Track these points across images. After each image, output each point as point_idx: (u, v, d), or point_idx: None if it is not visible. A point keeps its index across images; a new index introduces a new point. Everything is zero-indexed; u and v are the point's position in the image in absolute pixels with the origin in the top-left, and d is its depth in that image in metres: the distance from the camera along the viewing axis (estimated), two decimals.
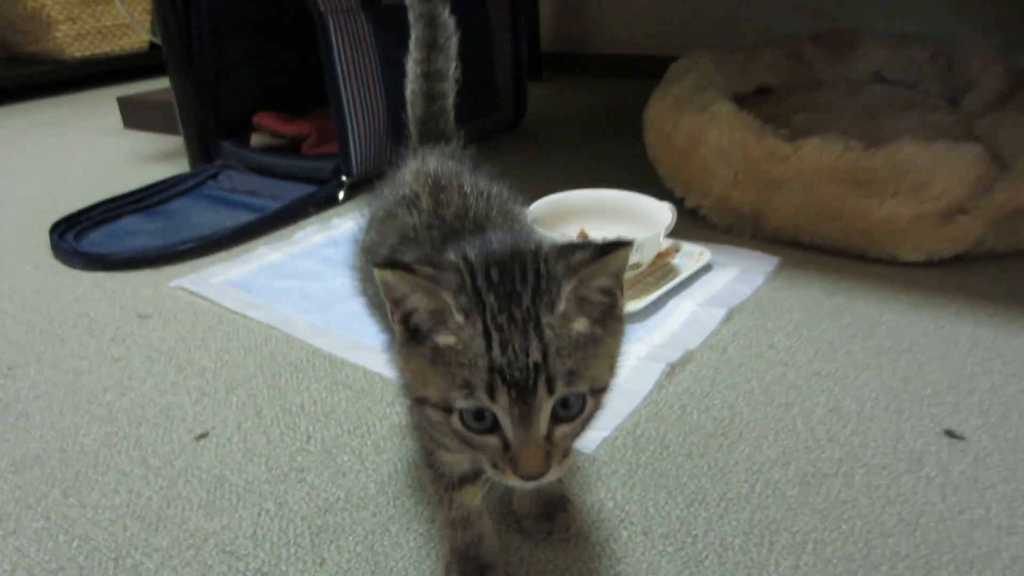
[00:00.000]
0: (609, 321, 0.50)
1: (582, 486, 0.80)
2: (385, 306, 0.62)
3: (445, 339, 0.48)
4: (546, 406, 0.47)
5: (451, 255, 0.51)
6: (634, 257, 1.15)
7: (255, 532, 0.77)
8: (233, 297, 1.28)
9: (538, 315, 0.47)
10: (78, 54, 3.33)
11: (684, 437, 0.86)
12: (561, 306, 0.48)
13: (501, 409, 0.47)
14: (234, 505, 0.81)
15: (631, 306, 1.11)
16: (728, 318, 1.11)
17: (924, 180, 1.22)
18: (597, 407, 0.51)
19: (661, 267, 1.27)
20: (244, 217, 1.60)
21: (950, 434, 0.84)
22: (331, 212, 1.66)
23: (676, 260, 1.29)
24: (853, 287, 1.20)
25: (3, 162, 2.28)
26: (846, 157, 1.26)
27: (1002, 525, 0.71)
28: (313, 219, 1.62)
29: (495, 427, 0.48)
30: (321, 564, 0.72)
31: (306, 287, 1.30)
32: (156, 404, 1.00)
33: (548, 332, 0.47)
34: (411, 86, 0.86)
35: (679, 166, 1.50)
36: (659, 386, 0.96)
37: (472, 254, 0.50)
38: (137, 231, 1.63)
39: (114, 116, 2.71)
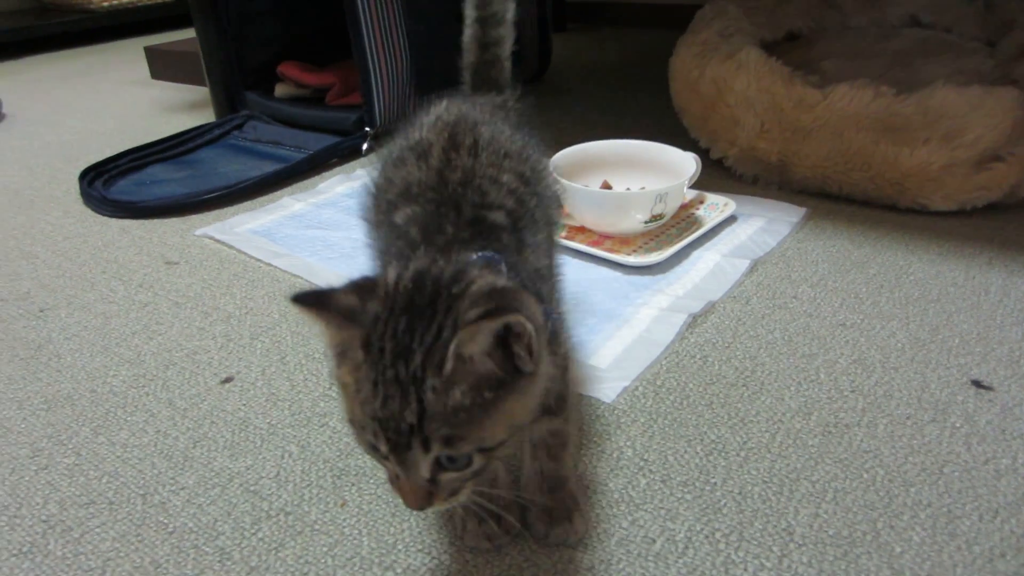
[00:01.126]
0: (515, 379, 0.48)
1: (601, 435, 0.80)
2: (377, 243, 0.64)
3: (343, 375, 0.49)
4: (420, 463, 0.48)
5: (386, 277, 0.50)
6: (657, 208, 1.13)
7: (278, 473, 0.78)
8: (258, 246, 1.28)
9: (423, 376, 0.46)
10: (106, 4, 3.33)
11: (705, 387, 0.86)
12: (447, 368, 0.46)
13: (385, 451, 0.48)
14: (258, 447, 0.82)
15: (652, 257, 1.10)
16: (752, 269, 1.10)
17: (958, 126, 1.18)
18: (489, 461, 0.50)
19: (685, 218, 1.25)
20: (269, 167, 1.60)
21: (977, 384, 0.82)
22: (355, 163, 1.65)
23: (700, 211, 1.27)
24: (881, 237, 1.17)
25: (33, 110, 2.30)
26: (877, 103, 1.23)
27: None
28: (337, 170, 1.62)
29: (385, 458, 0.49)
30: (343, 504, 0.73)
31: (329, 236, 1.30)
32: (183, 348, 1.01)
33: (429, 395, 0.46)
34: (466, 31, 0.84)
35: (704, 115, 1.47)
36: (681, 337, 0.95)
37: (398, 282, 0.49)
38: (164, 180, 1.64)
39: (142, 66, 2.71)
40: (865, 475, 0.72)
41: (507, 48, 0.85)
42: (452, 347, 0.46)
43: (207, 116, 2.01)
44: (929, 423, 0.78)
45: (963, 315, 0.96)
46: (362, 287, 0.50)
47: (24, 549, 0.71)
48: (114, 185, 1.61)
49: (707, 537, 0.66)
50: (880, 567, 0.62)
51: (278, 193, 1.52)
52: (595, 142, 1.31)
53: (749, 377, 0.87)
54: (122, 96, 2.45)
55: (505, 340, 0.47)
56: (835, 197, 1.32)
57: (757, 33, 1.59)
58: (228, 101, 1.97)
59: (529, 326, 0.46)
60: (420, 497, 0.49)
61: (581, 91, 2.13)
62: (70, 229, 1.42)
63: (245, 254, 1.26)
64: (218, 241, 1.32)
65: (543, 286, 0.61)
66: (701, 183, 1.28)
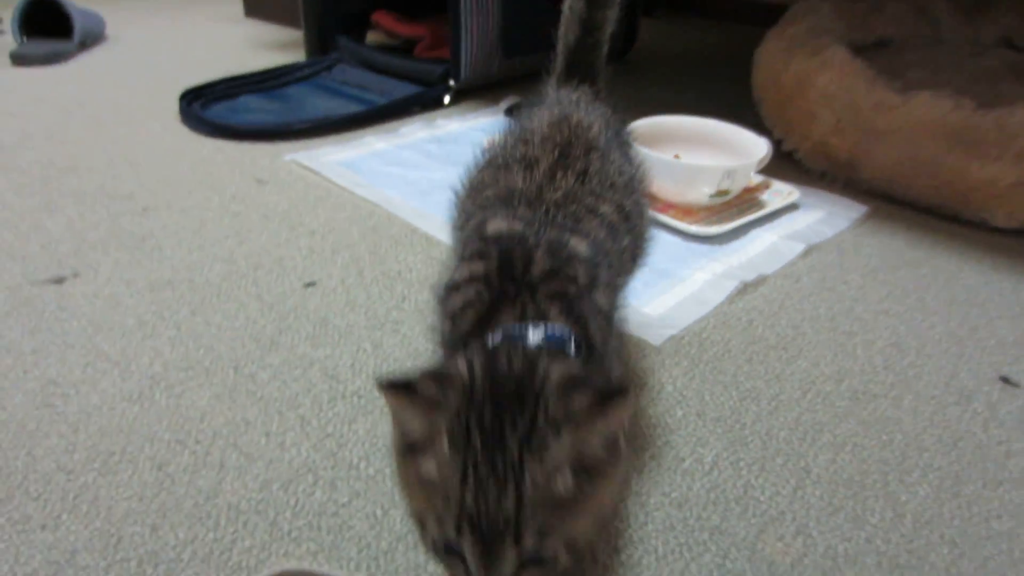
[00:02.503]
0: (605, 468, 0.46)
1: (646, 371, 0.87)
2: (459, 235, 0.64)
3: (428, 467, 0.46)
4: (509, 559, 0.44)
5: (459, 365, 0.48)
6: (724, 183, 1.19)
7: (353, 364, 0.87)
8: (341, 175, 1.38)
9: (522, 467, 0.44)
10: None
11: (747, 345, 0.93)
12: (549, 458, 0.44)
13: (466, 550, 0.45)
14: (336, 341, 0.91)
15: (712, 228, 1.17)
16: (806, 253, 1.16)
17: None
18: (571, 562, 0.47)
19: (749, 200, 1.31)
20: (354, 107, 1.70)
21: (1005, 380, 0.88)
22: (436, 113, 1.74)
23: (764, 196, 1.33)
24: (937, 243, 1.22)
25: (133, 36, 2.43)
26: (955, 115, 1.26)
27: None
28: (418, 117, 1.71)
29: (461, 559, 0.46)
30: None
31: (408, 175, 1.39)
32: (270, 254, 1.11)
33: (527, 485, 0.43)
34: (568, 9, 0.78)
35: (782, 107, 1.51)
36: (730, 300, 1.02)
37: (479, 369, 0.47)
38: (255, 108, 1.74)
39: (236, 4, 2.84)
40: (884, 437, 0.78)
41: (608, 31, 0.79)
42: (564, 437, 0.44)
43: (296, 56, 2.11)
44: (952, 405, 0.84)
45: (1004, 321, 1.00)
46: (439, 377, 0.47)
47: (135, 397, 0.81)
48: (210, 108, 1.72)
49: (731, 464, 0.74)
50: (885, 509, 0.69)
51: (361, 132, 1.61)
52: (672, 116, 1.38)
53: (789, 343, 0.93)
54: (215, 30, 2.58)
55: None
56: (898, 201, 1.36)
57: (847, 35, 1.62)
58: (320, 43, 2.07)
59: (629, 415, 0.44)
60: None
61: (662, 75, 2.18)
62: (169, 143, 1.54)
63: (330, 181, 1.36)
64: (305, 167, 1.42)
65: (607, 332, 0.59)
66: (769, 171, 1.33)
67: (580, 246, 0.58)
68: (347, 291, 1.02)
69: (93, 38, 2.30)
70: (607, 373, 0.58)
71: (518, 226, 0.59)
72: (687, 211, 1.23)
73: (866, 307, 1.02)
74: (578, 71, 0.79)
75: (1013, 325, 0.99)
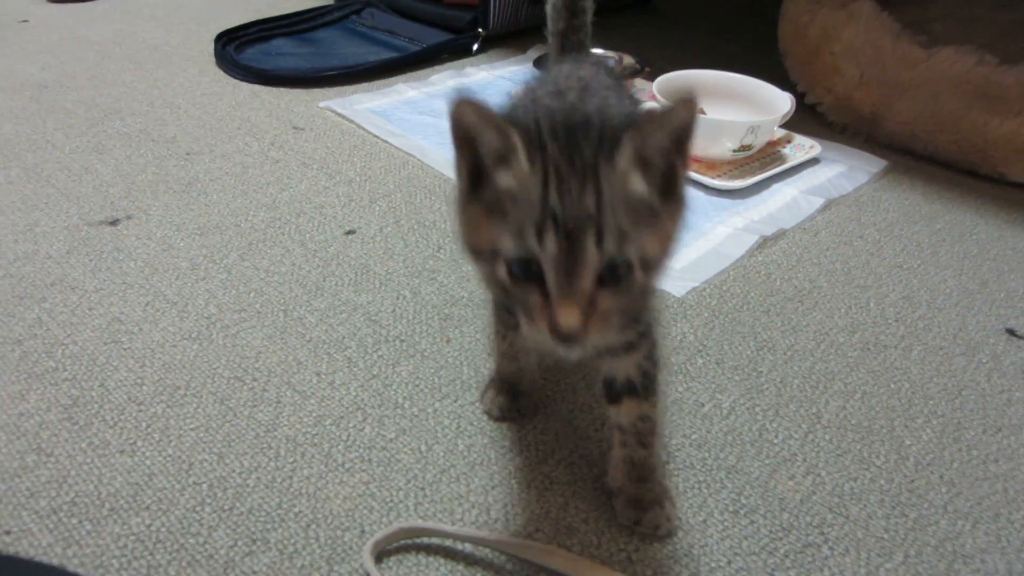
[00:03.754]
0: (668, 198, 0.49)
1: (668, 321, 0.93)
2: None
3: (505, 181, 0.47)
4: (592, 260, 0.45)
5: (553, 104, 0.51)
6: (747, 138, 1.23)
7: (394, 309, 0.93)
8: (375, 123, 1.42)
9: (597, 165, 0.46)
10: None
11: (765, 298, 0.98)
12: (621, 160, 0.46)
13: (548, 256, 0.45)
14: (377, 288, 0.97)
15: (735, 183, 1.20)
16: (825, 207, 1.19)
17: None
18: (646, 286, 0.49)
19: (771, 154, 1.34)
20: (384, 54, 1.72)
21: (1011, 332, 0.92)
22: (465, 61, 1.76)
23: (786, 150, 1.35)
24: (954, 198, 1.25)
25: None
26: (978, 70, 1.28)
27: None
28: (447, 65, 1.73)
29: (538, 279, 0.47)
30: (448, 341, 0.89)
31: (440, 124, 1.43)
32: (311, 202, 1.16)
33: (605, 185, 0.45)
34: (551, 5, 0.84)
35: (807, 60, 1.53)
36: (750, 254, 1.06)
37: (529, 106, 0.50)
38: (288, 53, 1.77)
39: None
40: (892, 385, 0.84)
41: (591, 14, 0.85)
42: (629, 140, 0.46)
43: None
44: (959, 356, 0.89)
45: (1014, 275, 1.04)
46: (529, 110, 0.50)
47: (193, 335, 0.88)
48: (244, 52, 1.75)
49: (748, 409, 0.80)
50: (889, 452, 0.75)
51: (392, 79, 1.64)
52: (696, 70, 1.40)
53: (806, 295, 0.98)
54: None
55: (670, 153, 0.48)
56: (918, 156, 1.39)
57: None
58: None
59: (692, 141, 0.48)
60: (577, 315, 0.46)
61: (689, 22, 2.17)
62: (207, 87, 1.57)
63: (364, 129, 1.40)
64: (340, 115, 1.45)
65: None
66: (792, 125, 1.36)
67: None
68: (385, 240, 1.07)
69: None
70: None
71: None
72: (710, 165, 1.27)
73: (881, 261, 1.06)
74: (570, 50, 0.84)
75: (1021, 279, 1.03)
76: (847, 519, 0.68)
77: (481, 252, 0.50)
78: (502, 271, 0.48)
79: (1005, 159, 1.28)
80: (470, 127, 0.48)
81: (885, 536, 0.67)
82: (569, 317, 0.46)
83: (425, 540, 0.65)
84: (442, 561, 0.63)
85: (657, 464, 0.67)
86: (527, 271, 0.47)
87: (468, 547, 0.64)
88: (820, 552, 0.65)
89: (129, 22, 1.93)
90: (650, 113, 0.46)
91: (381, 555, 0.63)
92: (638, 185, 0.47)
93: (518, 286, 0.48)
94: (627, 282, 0.47)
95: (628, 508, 0.66)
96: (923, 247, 1.10)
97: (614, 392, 0.64)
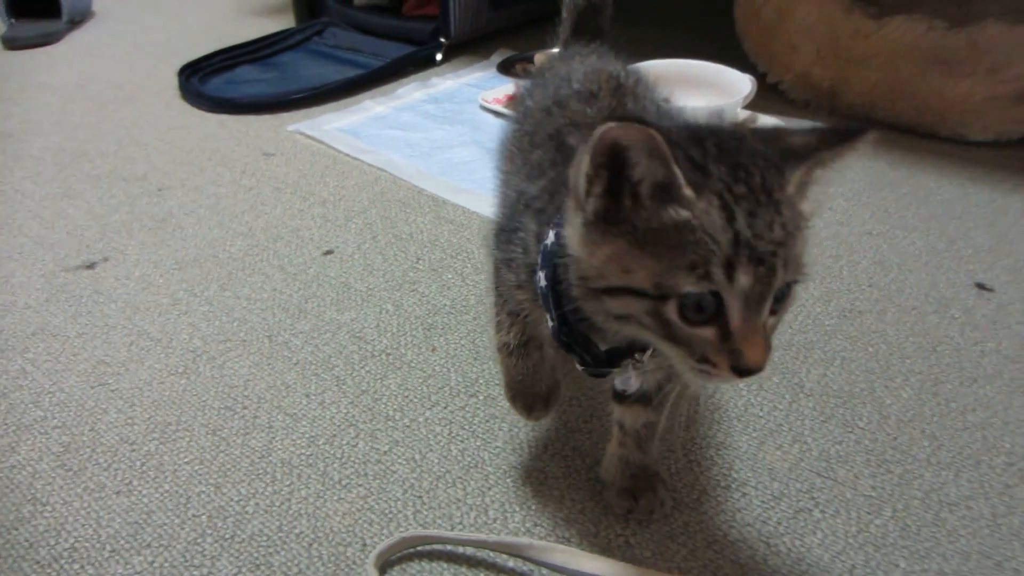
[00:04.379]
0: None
1: None
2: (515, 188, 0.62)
3: (673, 214, 0.42)
4: (778, 289, 0.43)
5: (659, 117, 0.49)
6: None
7: (378, 324, 0.94)
8: (345, 142, 1.43)
9: (772, 191, 0.42)
10: None
11: None
12: (791, 187, 0.44)
13: (736, 293, 0.42)
14: (359, 304, 0.98)
15: None
16: None
17: (1003, 61, 1.26)
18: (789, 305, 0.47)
19: None
20: (349, 72, 1.73)
21: (980, 286, 0.95)
22: (430, 71, 1.77)
23: None
24: (918, 162, 1.27)
25: (121, 9, 2.43)
26: (928, 36, 1.30)
27: (1009, 355, 0.84)
28: (412, 77, 1.74)
29: (715, 317, 0.43)
30: (433, 350, 0.90)
31: (410, 137, 1.44)
32: (287, 226, 1.17)
33: (785, 210, 0.42)
34: None
35: (765, 41, 1.55)
36: None
37: (674, 128, 0.45)
38: (253, 80, 1.78)
39: None
40: (870, 349, 0.85)
41: None
42: (802, 167, 0.45)
43: (286, 21, 2.12)
44: (932, 313, 0.91)
45: (979, 231, 1.07)
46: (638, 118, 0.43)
47: (180, 370, 0.89)
48: (208, 82, 1.75)
49: (732, 386, 0.81)
50: (872, 413, 0.77)
51: (359, 96, 1.65)
52: (657, 60, 1.41)
53: None
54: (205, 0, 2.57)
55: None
56: (880, 123, 1.41)
57: None
58: (308, 7, 2.08)
59: None
60: (763, 349, 0.44)
61: (650, 15, 2.19)
62: (174, 121, 1.58)
63: (334, 149, 1.41)
64: (309, 137, 1.46)
65: None
66: (756, 105, 1.37)
67: None
68: (364, 256, 1.08)
69: (81, 15, 2.30)
70: None
71: None
72: None
73: (851, 230, 1.08)
74: (585, 32, 0.81)
75: (988, 233, 1.06)
76: (835, 481, 0.70)
77: (633, 290, 0.44)
78: (673, 312, 0.43)
79: (962, 119, 1.31)
80: (624, 150, 0.42)
81: (873, 494, 0.68)
82: (758, 354, 0.43)
83: (428, 547, 0.66)
84: (445, 566, 0.64)
85: (651, 465, 0.68)
86: (701, 311, 0.43)
87: (470, 550, 0.65)
88: (812, 516, 0.67)
89: (90, 64, 1.93)
90: (827, 142, 0.45)
91: (385, 566, 0.64)
92: (806, 206, 0.45)
93: (690, 327, 0.44)
94: (788, 300, 0.46)
95: (621, 498, 0.67)
96: (891, 212, 1.12)
97: (626, 396, 0.64)
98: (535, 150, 0.63)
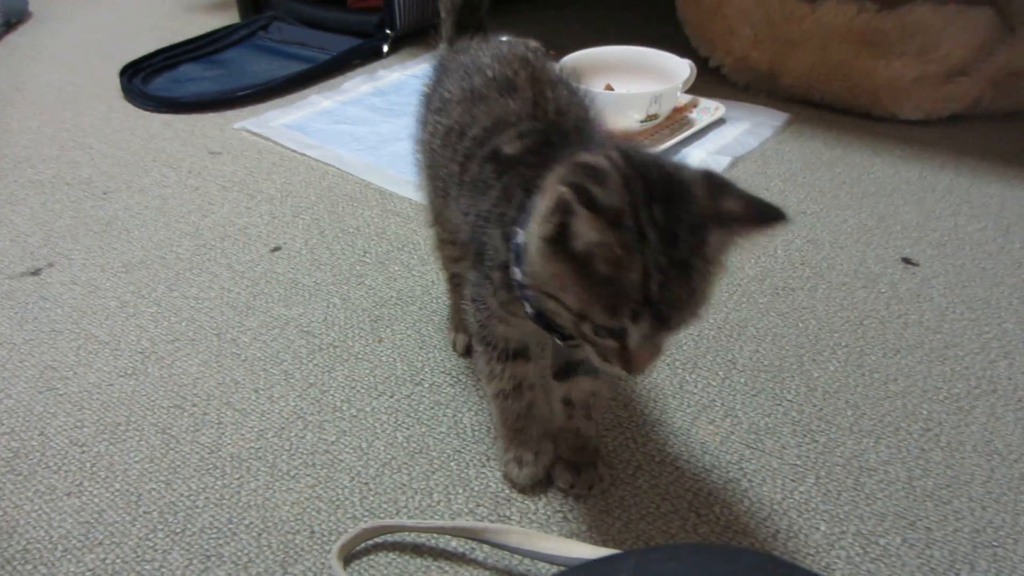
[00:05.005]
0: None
1: None
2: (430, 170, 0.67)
3: (603, 267, 0.49)
4: (671, 333, 0.51)
5: (605, 163, 0.49)
6: (652, 108, 1.27)
7: (326, 318, 0.96)
8: (291, 138, 1.43)
9: (690, 258, 0.48)
10: None
11: None
12: (708, 251, 0.49)
13: (637, 330, 0.50)
14: (307, 300, 0.99)
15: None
16: (733, 165, 1.25)
17: (932, 41, 1.30)
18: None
19: (679, 120, 1.39)
20: (295, 67, 1.73)
21: (907, 261, 0.99)
22: (376, 64, 1.77)
23: (693, 114, 1.41)
24: (852, 141, 1.31)
25: (58, 9, 2.39)
26: (860, 18, 1.34)
27: (930, 326, 0.88)
28: (359, 70, 1.74)
29: (618, 337, 0.51)
30: (380, 341, 0.91)
31: (356, 131, 1.45)
32: (234, 224, 1.18)
33: (696, 276, 0.49)
34: None
35: (705, 25, 1.58)
36: None
37: (623, 164, 0.49)
38: (197, 78, 1.76)
39: None
40: (800, 324, 0.89)
41: None
42: (720, 235, 0.49)
43: (230, 16, 2.10)
44: (860, 289, 0.95)
45: (909, 207, 1.11)
46: (593, 175, 0.48)
47: (128, 371, 0.89)
48: (151, 82, 1.73)
49: (668, 365, 0.84)
50: (800, 386, 0.80)
51: (305, 91, 1.64)
52: (600, 48, 1.44)
53: None
54: None
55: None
56: (817, 105, 1.45)
57: None
58: (252, 2, 2.06)
59: None
60: (649, 359, 0.52)
61: (591, 1, 2.22)
62: (117, 122, 1.56)
63: (281, 145, 1.41)
64: (255, 134, 1.46)
65: None
66: (698, 89, 1.41)
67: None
68: (311, 251, 1.09)
69: (17, 16, 2.25)
70: None
71: (533, 136, 0.60)
72: (623, 139, 1.31)
73: (786, 209, 1.11)
74: (467, 29, 0.80)
75: (916, 209, 1.10)
76: (763, 452, 0.73)
77: (562, 304, 0.52)
78: (587, 329, 0.52)
79: (894, 99, 1.35)
80: (570, 225, 0.48)
81: (798, 462, 0.72)
82: (644, 364, 0.53)
83: (389, 538, 0.67)
84: (408, 558, 0.66)
85: (595, 433, 0.71)
86: (613, 333, 0.51)
87: (431, 538, 0.67)
88: (740, 486, 0.70)
89: (29, 66, 1.90)
90: (746, 218, 0.50)
91: (348, 559, 0.66)
92: (716, 268, 0.51)
93: (599, 338, 0.52)
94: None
95: (565, 471, 0.70)
96: (825, 192, 1.16)
97: (570, 370, 0.68)
98: (469, 163, 0.64)
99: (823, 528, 0.66)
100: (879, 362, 0.83)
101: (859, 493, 0.69)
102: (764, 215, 0.50)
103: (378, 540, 0.67)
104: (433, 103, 0.74)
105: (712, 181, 0.51)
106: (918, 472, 0.71)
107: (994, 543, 0.65)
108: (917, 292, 0.93)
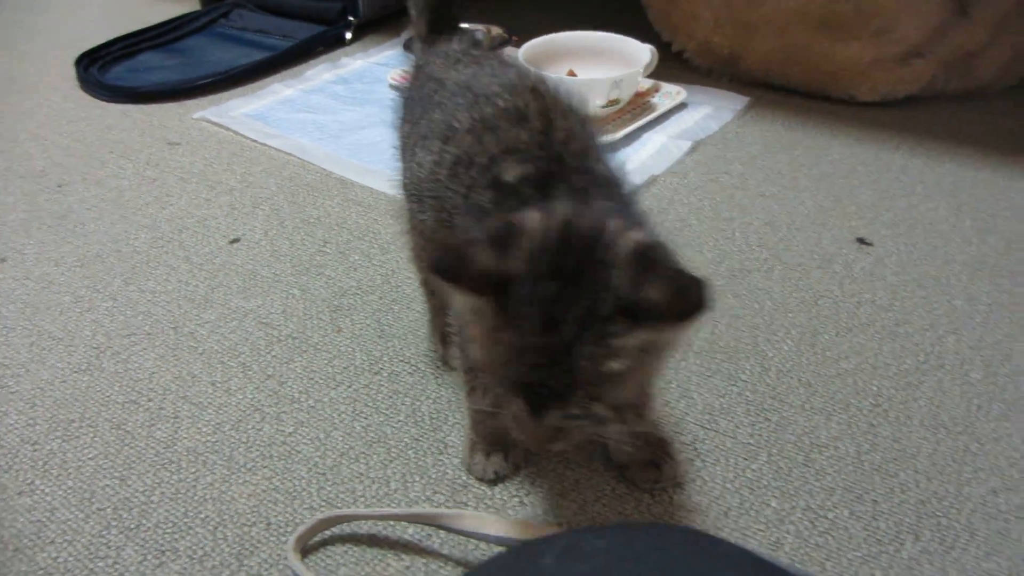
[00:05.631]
0: (660, 349, 0.48)
1: None
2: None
3: (479, 334, 0.48)
4: (556, 417, 0.48)
5: (531, 225, 0.48)
6: (613, 93, 1.27)
7: (284, 310, 0.95)
8: (252, 127, 1.41)
9: (578, 345, 0.44)
10: None
11: None
12: (612, 342, 0.45)
13: (516, 406, 0.48)
14: (266, 291, 0.99)
15: (606, 138, 1.25)
16: (694, 149, 1.25)
17: (888, 24, 1.32)
18: (621, 418, 0.50)
19: (641, 104, 1.39)
20: (257, 55, 1.70)
21: (861, 241, 1.00)
22: (339, 51, 1.75)
23: (655, 99, 1.41)
24: (811, 124, 1.32)
25: None
26: (817, 2, 1.35)
27: (882, 305, 0.89)
28: (322, 58, 1.72)
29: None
30: (339, 331, 0.91)
31: (318, 119, 1.43)
32: (193, 216, 1.16)
33: (583, 365, 0.45)
34: None
35: (666, 10, 1.58)
36: None
37: (544, 233, 0.47)
38: (156, 67, 1.73)
39: None
40: (756, 305, 0.90)
41: None
42: (628, 337, 0.45)
43: (190, 4, 2.06)
44: (815, 269, 0.96)
45: (864, 188, 1.12)
46: (503, 237, 0.47)
47: (83, 367, 0.88)
48: (109, 71, 1.70)
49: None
50: (754, 366, 0.81)
51: (268, 80, 1.62)
52: (562, 33, 1.43)
53: (677, 235, 1.04)
54: None
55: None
56: (777, 88, 1.46)
57: None
58: None
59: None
60: (544, 441, 0.50)
61: None
62: (72, 113, 1.53)
63: (241, 135, 1.39)
64: (215, 124, 1.44)
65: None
66: (661, 74, 1.41)
67: (599, 167, 0.60)
68: (271, 242, 1.09)
69: None
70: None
71: (536, 165, 0.57)
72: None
73: (745, 193, 1.13)
74: (442, 28, 0.79)
75: (872, 190, 1.11)
76: (717, 432, 0.74)
77: (478, 359, 0.51)
78: (490, 383, 0.51)
79: (852, 81, 1.37)
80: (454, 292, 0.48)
81: (751, 441, 0.73)
82: (536, 442, 0.51)
83: (346, 528, 0.67)
84: (364, 548, 0.66)
85: (651, 428, 0.71)
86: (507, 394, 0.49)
87: (387, 526, 0.67)
88: (693, 466, 0.71)
89: None
90: (664, 314, 0.44)
91: (306, 551, 0.66)
92: (617, 365, 0.45)
93: (502, 397, 0.51)
94: (598, 420, 0.48)
95: (642, 473, 0.69)
96: (783, 174, 1.17)
97: None
98: (472, 192, 0.61)
99: (774, 504, 0.67)
100: (832, 341, 0.84)
101: (809, 469, 0.70)
102: (683, 311, 0.44)
103: (335, 531, 0.67)
104: (415, 113, 0.71)
105: (642, 261, 0.46)
106: (867, 447, 0.72)
107: (938, 513, 0.66)
108: (871, 271, 0.95)
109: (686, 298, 0.44)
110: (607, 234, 0.47)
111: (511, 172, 0.57)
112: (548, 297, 0.45)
